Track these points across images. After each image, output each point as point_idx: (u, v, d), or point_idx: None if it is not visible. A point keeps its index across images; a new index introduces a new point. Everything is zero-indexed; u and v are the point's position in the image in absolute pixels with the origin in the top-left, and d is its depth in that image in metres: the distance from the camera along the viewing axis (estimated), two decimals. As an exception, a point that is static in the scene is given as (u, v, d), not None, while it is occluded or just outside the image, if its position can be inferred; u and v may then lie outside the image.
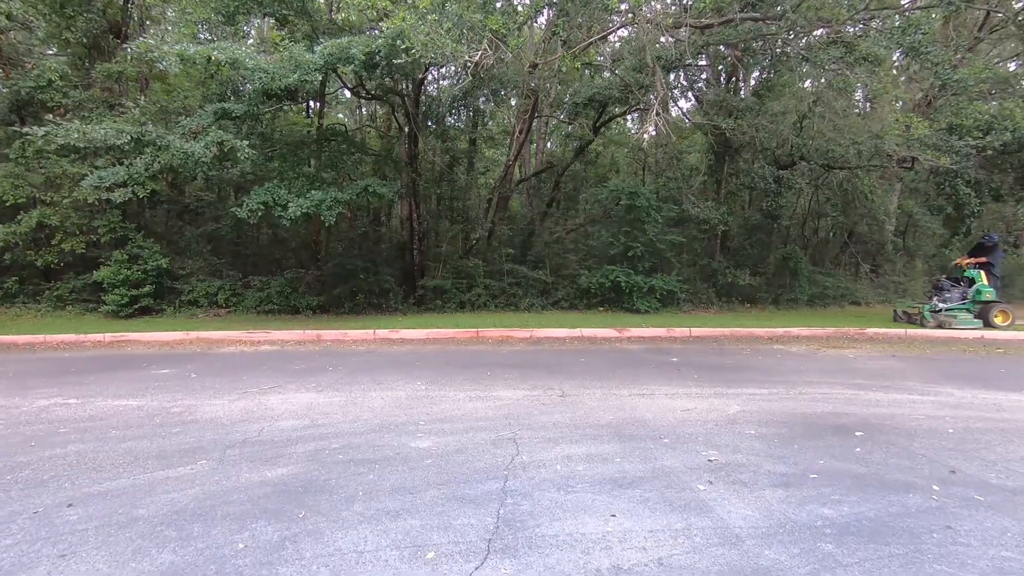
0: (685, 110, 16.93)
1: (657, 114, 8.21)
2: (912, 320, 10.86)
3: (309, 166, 10.30)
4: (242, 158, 8.61)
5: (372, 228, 18.00)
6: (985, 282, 10.33)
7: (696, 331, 10.24)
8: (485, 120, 15.68)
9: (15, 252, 12.00)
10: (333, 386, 6.41)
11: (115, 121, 8.82)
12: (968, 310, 10.33)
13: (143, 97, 13.15)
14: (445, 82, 14.44)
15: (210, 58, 7.88)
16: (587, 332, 10.13)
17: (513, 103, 16.38)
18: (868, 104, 15.73)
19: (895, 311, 11.63)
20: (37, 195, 11.82)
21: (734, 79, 13.87)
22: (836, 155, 12.76)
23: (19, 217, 11.48)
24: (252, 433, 4.74)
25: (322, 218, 9.20)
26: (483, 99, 13.23)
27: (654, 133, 7.84)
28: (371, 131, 16.85)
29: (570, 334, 10.09)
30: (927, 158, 10.47)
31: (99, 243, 12.38)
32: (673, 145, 14.40)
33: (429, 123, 13.92)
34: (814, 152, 13.63)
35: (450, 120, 15.02)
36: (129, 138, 8.25)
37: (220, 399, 5.87)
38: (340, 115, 19.73)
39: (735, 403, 5.63)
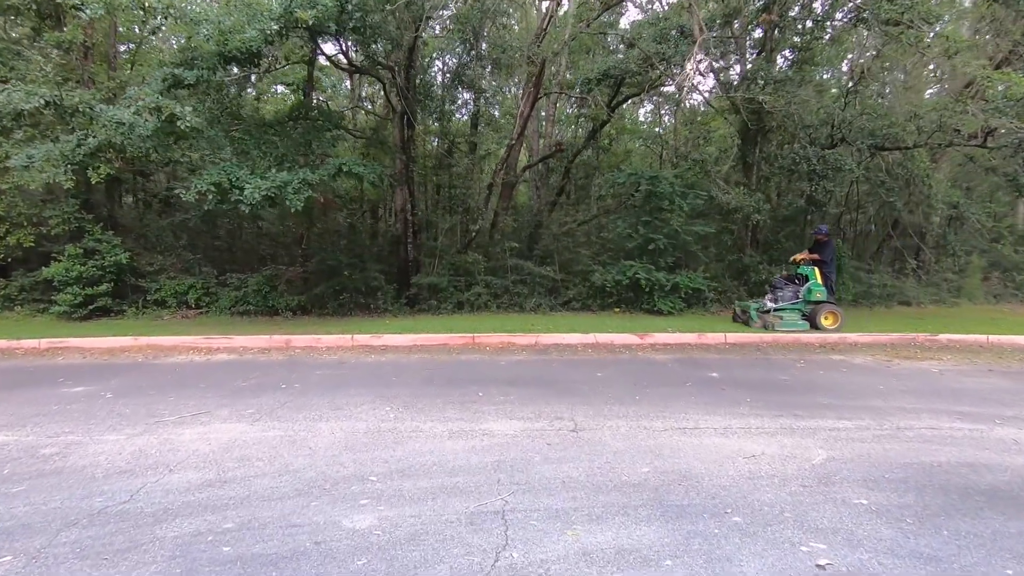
0: (708, 90, 15.26)
1: (699, 62, 6.58)
2: (745, 320, 9.79)
3: (279, 147, 8.84)
4: (183, 128, 7.15)
5: (366, 221, 16.54)
6: (818, 280, 9.35)
7: (732, 336, 8.64)
8: (487, 98, 14.14)
9: (-42, 246, 10.63)
10: (275, 412, 4.92)
11: (26, 84, 7.40)
12: (800, 310, 9.35)
13: (112, 72, 11.80)
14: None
15: (144, 6, 6.45)
16: (603, 338, 8.57)
17: (517, 80, 14.86)
18: (934, 71, 13.86)
19: (735, 310, 10.36)
20: (-21, 183, 10.43)
21: (767, 48, 12.20)
22: (888, 134, 11.08)
23: (-44, 206, 10.12)
24: (123, 495, 3.25)
25: (288, 203, 7.71)
26: (487, 70, 11.67)
27: (698, 79, 6.30)
28: (364, 114, 15.37)
29: (583, 340, 8.54)
30: (1020, 126, 8.75)
31: (52, 236, 10.98)
32: (699, 124, 12.80)
33: (427, 101, 12.38)
34: (858, 131, 11.94)
35: (446, 101, 13.46)
36: (43, 102, 6.84)
37: (117, 433, 4.40)
38: (332, 103, 18.27)
39: (816, 444, 4.05)
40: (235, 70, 8.57)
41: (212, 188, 7.51)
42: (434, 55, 13.18)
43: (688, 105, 17.41)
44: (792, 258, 10.23)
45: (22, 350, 8.37)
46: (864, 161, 11.64)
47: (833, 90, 12.43)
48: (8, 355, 8.10)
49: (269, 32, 6.98)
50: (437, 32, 12.29)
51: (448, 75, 12.92)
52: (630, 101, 16.05)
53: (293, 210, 7.86)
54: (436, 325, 9.72)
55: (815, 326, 9.15)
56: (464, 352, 7.95)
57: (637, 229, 11.33)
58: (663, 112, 22.16)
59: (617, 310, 11.66)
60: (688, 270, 11.60)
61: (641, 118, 24.16)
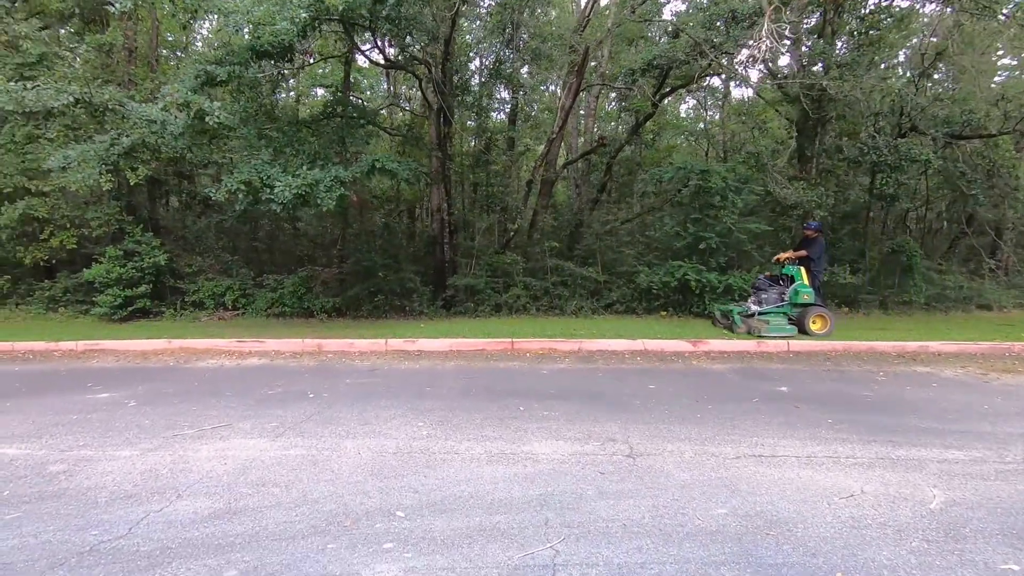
0: (757, 81, 14.30)
1: (768, 35, 5.88)
2: (727, 325, 8.87)
3: (312, 145, 8.55)
4: (212, 124, 6.91)
5: (402, 222, 16.28)
6: (805, 281, 8.55)
7: (796, 344, 7.87)
8: (526, 92, 13.60)
9: (5, 248, 10.79)
10: (300, 426, 4.52)
11: (55, 80, 7.30)
12: (786, 314, 8.55)
13: (152, 75, 11.85)
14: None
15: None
16: (652, 345, 7.93)
17: (556, 76, 14.28)
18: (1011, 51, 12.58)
19: (715, 314, 9.41)
20: (26, 184, 10.56)
21: (828, 31, 11.26)
22: (967, 120, 10.02)
23: (2, 208, 10.25)
24: (121, 527, 2.87)
25: (319, 202, 7.39)
26: (526, 63, 11.13)
27: (768, 46, 5.61)
28: (400, 112, 15.08)
29: (630, 347, 7.92)
30: None
31: (93, 237, 11.05)
32: (753, 115, 11.96)
33: (463, 96, 11.93)
34: (931, 119, 10.91)
35: (483, 96, 12.98)
36: (72, 99, 6.70)
37: (132, 448, 4.08)
38: (369, 104, 18.10)
39: (927, 482, 3.37)
40: (268, 67, 8.31)
41: (242, 187, 7.25)
42: (471, 51, 12.73)
43: (735, 97, 16.52)
44: (776, 257, 9.32)
45: (59, 352, 8.32)
46: (938, 151, 10.60)
47: (900, 76, 11.38)
48: (45, 357, 8.05)
49: (299, 20, 6.65)
50: (474, 24, 11.85)
51: (485, 69, 12.45)
52: (672, 96, 15.30)
53: (325, 209, 7.53)
54: (473, 329, 9.26)
55: (803, 331, 8.34)
56: (502, 359, 7.46)
57: (686, 227, 10.61)
58: (708, 106, 21.24)
59: (664, 313, 10.97)
60: (741, 271, 10.80)
61: (682, 114, 23.25)
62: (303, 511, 3.04)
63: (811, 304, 8.52)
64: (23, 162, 10.63)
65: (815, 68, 11.74)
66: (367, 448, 4.02)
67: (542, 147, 12.48)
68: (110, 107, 7.14)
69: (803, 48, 11.38)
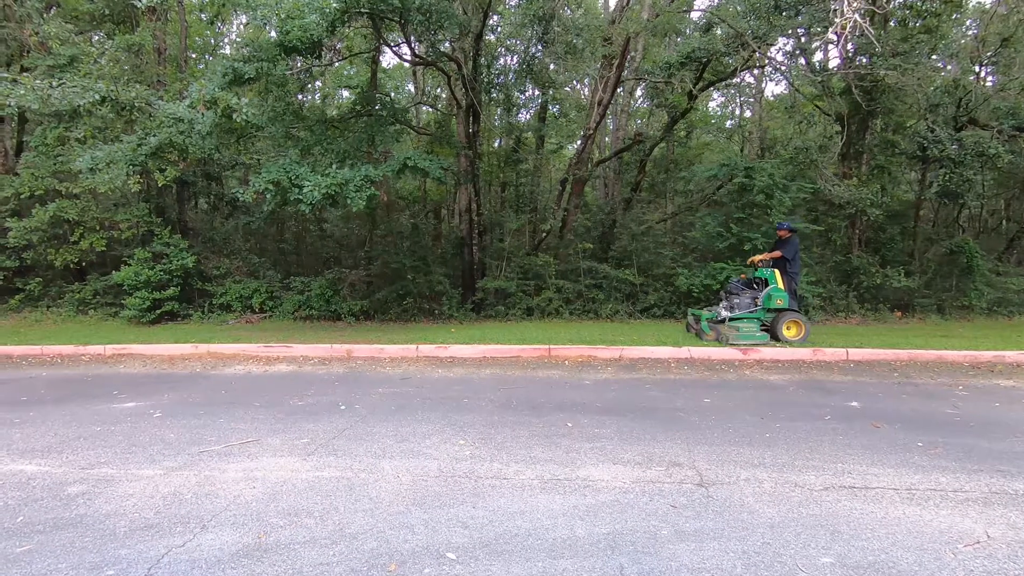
0: (804, 71, 13.63)
1: (851, 8, 5.36)
2: (699, 331, 8.27)
3: (341, 144, 8.30)
4: (239, 121, 6.68)
5: (429, 222, 16.00)
6: (780, 284, 7.99)
7: (855, 353, 7.31)
8: (557, 88, 13.18)
9: (37, 251, 10.78)
10: (332, 443, 4.19)
11: (81, 78, 7.13)
12: (760, 319, 8.03)
13: (181, 75, 11.75)
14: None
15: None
16: (698, 352, 7.45)
17: (588, 73, 13.82)
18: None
19: (688, 319, 8.74)
20: (56, 187, 10.53)
21: (880, 16, 10.58)
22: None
23: (34, 211, 10.22)
24: (140, 567, 2.56)
25: (349, 202, 7.10)
26: (558, 57, 10.71)
27: (853, 20, 5.10)
28: (428, 110, 14.79)
29: (674, 354, 7.45)
30: None
31: (123, 240, 10.98)
32: (799, 108, 11.36)
33: (493, 92, 11.58)
34: (993, 111, 10.18)
35: (514, 92, 12.61)
36: (98, 97, 6.53)
37: (155, 466, 3.79)
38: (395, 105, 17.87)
39: (1063, 524, 2.87)
40: (296, 63, 8.06)
41: (270, 187, 7.00)
42: (500, 46, 12.37)
43: (771, 93, 15.84)
44: (750, 259, 8.74)
45: (87, 356, 8.20)
46: (1004, 145, 9.88)
47: (958, 65, 10.67)
48: (73, 362, 7.92)
49: (329, 12, 6.36)
50: (506, 15, 11.47)
51: (516, 64, 12.08)
52: (702, 93, 14.71)
53: (355, 209, 7.24)
54: (506, 334, 8.88)
55: (775, 337, 7.84)
56: (540, 367, 7.07)
57: (729, 227, 10.08)
58: (741, 103, 20.56)
59: (704, 318, 10.43)
60: (788, 273, 10.20)
61: (711, 111, 22.56)
62: (341, 549, 2.69)
63: (785, 309, 8.00)
64: (54, 164, 10.62)
65: (860, 59, 11.10)
66: (406, 471, 3.66)
67: (573, 145, 12.03)
68: (136, 105, 6.96)
69: (852, 36, 10.73)
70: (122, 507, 3.18)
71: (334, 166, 7.23)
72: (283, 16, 6.43)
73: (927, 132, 9.61)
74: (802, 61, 12.77)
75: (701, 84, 12.02)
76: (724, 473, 3.56)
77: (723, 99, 23.22)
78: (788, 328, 7.92)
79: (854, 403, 5.23)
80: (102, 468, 3.78)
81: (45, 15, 11.10)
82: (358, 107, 9.98)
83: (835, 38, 7.53)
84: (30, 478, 3.63)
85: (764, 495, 3.24)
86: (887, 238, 11.60)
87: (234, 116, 6.70)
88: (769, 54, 11.38)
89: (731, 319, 8.00)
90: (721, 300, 8.57)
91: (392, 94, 19.28)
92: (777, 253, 8.29)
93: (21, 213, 10.68)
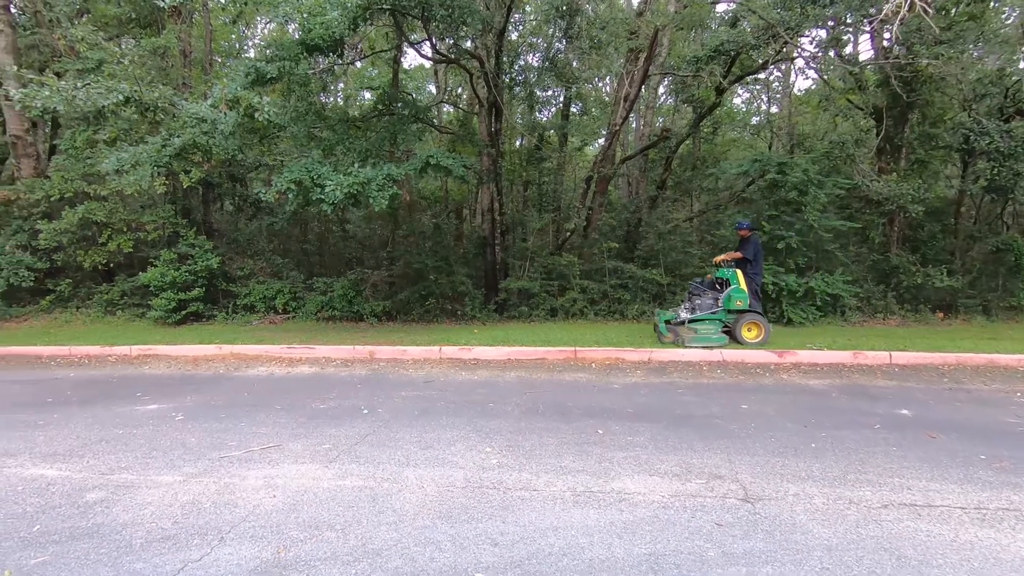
0: (840, 62, 13.14)
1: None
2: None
3: (363, 142, 8.22)
4: (261, 120, 6.62)
5: (451, 222, 15.89)
6: (741, 285, 7.73)
7: (899, 356, 6.94)
8: (581, 85, 12.93)
9: (66, 252, 10.93)
10: (354, 449, 4.05)
11: (105, 79, 7.14)
12: (720, 321, 7.78)
13: (206, 77, 11.83)
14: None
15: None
16: (731, 355, 7.16)
17: (613, 69, 13.56)
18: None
19: (655, 321, 8.28)
20: (85, 189, 10.66)
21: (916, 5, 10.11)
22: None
23: (63, 213, 10.36)
24: (154, 583, 2.43)
25: (371, 201, 6.99)
26: (582, 52, 10.49)
27: (903, 3, 4.78)
28: (450, 108, 14.67)
29: (706, 357, 7.18)
30: None
31: (149, 241, 11.07)
32: (834, 100, 10.93)
33: (516, 88, 11.39)
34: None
35: (537, 90, 12.41)
36: (122, 98, 6.53)
37: (175, 471, 3.69)
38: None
39: None
40: (318, 62, 7.99)
41: (292, 186, 6.92)
42: (524, 42, 12.18)
43: (799, 88, 15.33)
44: (715, 259, 8.45)
45: (114, 357, 8.24)
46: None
47: (1006, 52, 10.13)
48: (100, 362, 7.96)
49: (351, 8, 6.25)
50: (528, 11, 11.29)
51: (538, 61, 11.87)
52: (732, 85, 14.31)
53: (376, 209, 7.13)
54: (530, 336, 8.69)
55: (735, 339, 7.63)
56: (566, 369, 6.86)
57: (760, 225, 9.73)
58: (768, 98, 20.04)
59: (734, 319, 10.10)
60: (823, 272, 9.83)
61: (735, 107, 22.04)
62: (363, 567, 2.53)
63: (745, 310, 7.71)
64: (84, 167, 10.76)
65: (898, 49, 10.64)
66: (431, 480, 3.49)
67: (597, 143, 11.78)
68: (160, 106, 6.97)
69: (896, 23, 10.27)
70: (140, 516, 3.07)
71: (356, 165, 7.13)
72: (305, 13, 6.34)
73: (973, 124, 9.14)
74: (832, 53, 12.34)
75: (730, 78, 11.66)
76: (770, 487, 3.32)
77: (748, 95, 22.75)
78: (748, 329, 7.71)
79: (904, 411, 4.91)
80: (122, 474, 3.70)
81: (76, 21, 11.29)
82: (380, 106, 9.89)
83: (877, 26, 7.13)
84: (50, 483, 3.56)
85: (817, 513, 2.99)
86: (927, 236, 11.10)
87: (256, 115, 6.64)
88: (800, 47, 10.97)
89: (691, 320, 7.82)
90: (684, 302, 8.36)
91: (413, 95, 19.28)
92: (738, 254, 8.07)
93: (52, 215, 10.84)
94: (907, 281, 10.17)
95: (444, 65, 14.62)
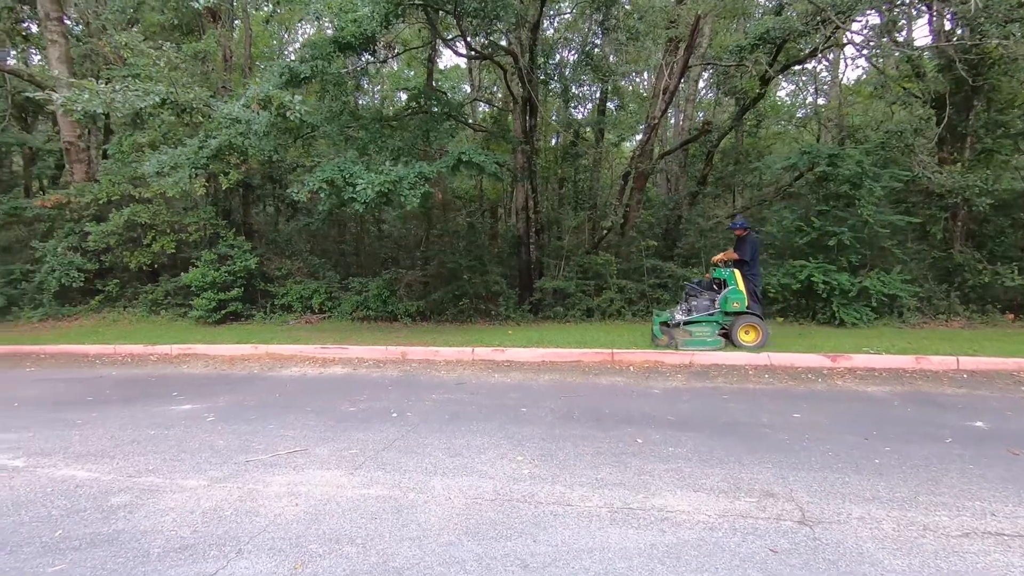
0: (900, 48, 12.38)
1: None
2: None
3: (395, 140, 8.15)
4: (293, 119, 6.59)
5: (485, 221, 15.77)
6: (738, 286, 7.31)
7: (968, 361, 6.39)
8: (616, 79, 12.57)
9: (114, 253, 11.28)
10: (381, 456, 3.91)
11: (142, 81, 7.25)
12: (717, 323, 7.41)
13: (245, 80, 12.02)
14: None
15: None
16: (779, 359, 6.75)
17: (651, 64, 13.14)
18: None
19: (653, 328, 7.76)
20: (131, 192, 10.97)
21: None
22: None
23: (110, 215, 10.68)
24: (166, 599, 2.32)
25: (403, 200, 6.88)
26: (619, 44, 10.16)
27: None
28: (484, 105, 14.53)
29: (752, 361, 6.78)
30: None
31: (191, 242, 11.31)
32: (891, 88, 10.28)
33: (550, 83, 11.14)
34: None
35: (572, 85, 12.12)
36: (159, 99, 6.61)
37: (200, 475, 3.62)
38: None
39: None
40: (351, 60, 7.94)
41: (324, 186, 6.88)
42: (558, 36, 11.92)
43: (848, 79, 14.54)
44: (713, 259, 8.00)
45: (155, 356, 8.40)
46: None
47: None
48: (142, 361, 8.13)
49: (382, 3, 6.14)
50: (563, 5, 11.03)
51: (574, 55, 11.59)
52: (779, 74, 13.67)
53: (408, 207, 7.02)
54: (565, 337, 8.44)
55: (732, 342, 7.28)
56: (603, 372, 6.59)
57: (811, 221, 9.21)
58: (814, 89, 19.17)
59: (780, 320, 9.62)
60: (878, 270, 9.23)
61: (779, 100, 21.17)
62: (383, 588, 2.35)
63: (742, 312, 7.29)
64: (130, 171, 11.08)
65: (959, 31, 9.91)
66: (458, 491, 3.31)
67: (634, 140, 11.41)
68: (195, 107, 7.05)
69: (952, 5, 9.57)
70: (160, 523, 2.99)
71: (387, 163, 7.03)
72: (336, 9, 6.28)
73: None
74: (885, 39, 11.60)
75: (776, 67, 11.12)
76: (830, 508, 3.00)
77: (793, 88, 21.86)
78: (746, 332, 7.30)
79: (978, 423, 4.45)
80: (148, 476, 3.65)
81: (127, 29, 11.66)
82: (413, 104, 9.81)
83: (939, 6, 6.59)
84: (78, 485, 3.53)
85: (886, 540, 2.66)
86: (994, 231, 10.28)
87: (287, 115, 6.63)
88: (851, 31, 10.35)
89: (686, 322, 7.49)
90: (680, 303, 8.01)
91: (448, 95, 19.27)
92: (734, 254, 7.70)
93: (101, 218, 11.20)
94: (972, 280, 9.45)
95: (478, 63, 14.52)
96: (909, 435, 4.16)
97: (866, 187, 8.77)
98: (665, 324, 7.54)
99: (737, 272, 7.42)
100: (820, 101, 19.35)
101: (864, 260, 9.29)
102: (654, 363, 6.94)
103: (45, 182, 17.26)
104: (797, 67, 14.09)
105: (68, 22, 12.78)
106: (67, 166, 12.49)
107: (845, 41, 11.02)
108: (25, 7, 14.09)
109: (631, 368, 6.78)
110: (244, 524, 2.96)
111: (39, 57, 15.47)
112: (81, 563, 2.61)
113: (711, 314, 7.44)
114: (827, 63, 17.20)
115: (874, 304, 8.95)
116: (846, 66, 15.72)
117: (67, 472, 3.77)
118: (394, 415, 4.95)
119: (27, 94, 10.54)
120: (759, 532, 2.76)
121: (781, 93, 21.99)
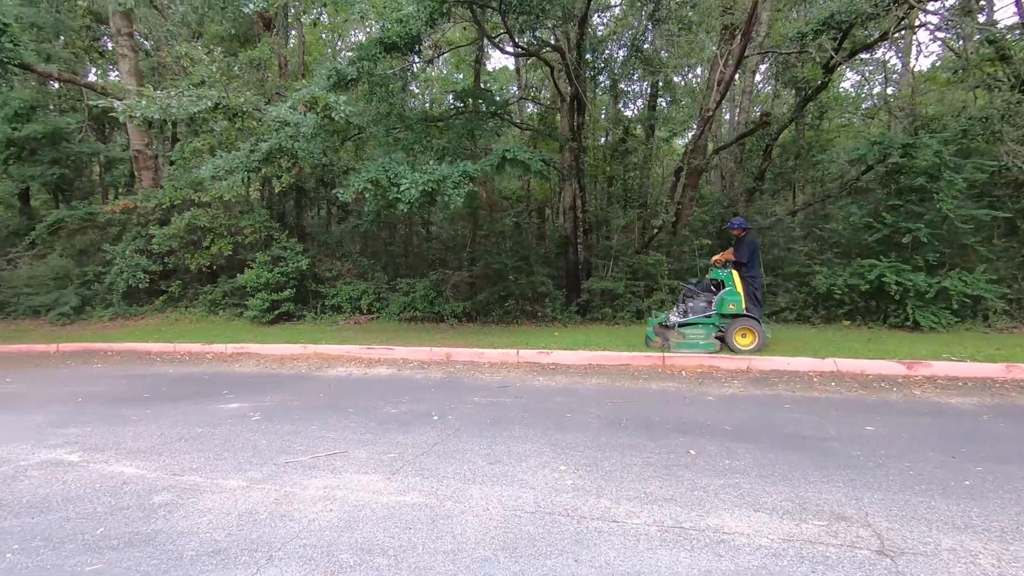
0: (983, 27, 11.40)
1: None
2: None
3: (440, 139, 8.12)
4: (338, 120, 6.63)
5: (532, 221, 15.59)
6: (736, 287, 7.00)
7: (1068, 370, 5.71)
8: (667, 73, 12.11)
9: (176, 256, 11.79)
10: (419, 460, 3.79)
11: (195, 87, 7.49)
12: (714, 325, 7.12)
13: (302, 80, 12.34)
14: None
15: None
16: (847, 365, 6.24)
17: (703, 59, 12.61)
18: None
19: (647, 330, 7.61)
20: (191, 196, 11.44)
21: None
22: None
23: (173, 219, 11.16)
24: (194, 606, 2.25)
25: (447, 199, 6.80)
26: (671, 36, 9.77)
27: None
28: (531, 103, 14.36)
29: (817, 367, 6.31)
30: None
31: (246, 244, 11.68)
32: (974, 72, 9.43)
33: (600, 78, 10.85)
34: None
35: (621, 80, 11.78)
36: (211, 104, 6.79)
37: (241, 476, 3.61)
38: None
39: None
40: (397, 61, 7.95)
41: (369, 186, 6.90)
42: (604, 28, 11.61)
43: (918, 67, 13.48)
44: (714, 259, 7.51)
45: (211, 355, 8.67)
46: None
47: None
48: (198, 359, 8.40)
49: (427, 1, 6.08)
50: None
51: (623, 48, 11.26)
52: (847, 60, 12.83)
53: (453, 207, 6.94)
54: (613, 339, 8.15)
55: (728, 345, 6.99)
56: (653, 377, 6.28)
57: (881, 217, 8.54)
58: (885, 74, 17.96)
59: (847, 323, 8.97)
60: (959, 270, 8.46)
61: (841, 91, 19.98)
62: (412, 607, 2.21)
63: (739, 315, 6.96)
64: (191, 176, 11.56)
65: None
66: (497, 501, 3.14)
67: (688, 135, 10.96)
68: (246, 110, 7.23)
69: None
70: (197, 524, 2.96)
71: (431, 162, 6.99)
72: (380, 7, 6.27)
73: None
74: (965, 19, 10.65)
75: (842, 53, 10.41)
76: (914, 537, 2.65)
77: (859, 78, 20.64)
78: (743, 336, 6.97)
79: (1088, 442, 3.91)
80: (191, 475, 3.66)
81: (189, 41, 12.21)
82: (459, 103, 9.77)
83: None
84: (125, 482, 3.58)
85: (985, 579, 2.30)
86: (1097, 227, 9.25)
87: (333, 115, 6.69)
88: (925, 10, 9.58)
89: (681, 324, 7.14)
90: (676, 305, 7.65)
91: (495, 95, 19.23)
92: (731, 255, 7.33)
93: (164, 222, 11.72)
94: (1070, 280, 8.53)
95: (525, 63, 14.37)
96: (1004, 454, 3.69)
97: (945, 179, 8.05)
98: (661, 325, 7.31)
99: (735, 273, 7.13)
100: (889, 91, 18.14)
101: (943, 258, 8.53)
102: (708, 368, 6.57)
103: (120, 190, 18.36)
104: (865, 55, 13.26)
105: (137, 37, 13.49)
106: (136, 173, 13.18)
107: (918, 23, 10.21)
108: (102, 25, 15.01)
109: (683, 373, 6.44)
110: (278, 529, 2.89)
111: (116, 72, 16.45)
112: (117, 563, 2.60)
113: (708, 316, 7.15)
114: (897, 50, 16.10)
115: (955, 306, 8.19)
116: (918, 52, 14.60)
117: (116, 468, 3.84)
118: (435, 418, 4.85)
119: (91, 103, 11.15)
120: (831, 562, 2.45)
121: (845, 84, 20.79)
